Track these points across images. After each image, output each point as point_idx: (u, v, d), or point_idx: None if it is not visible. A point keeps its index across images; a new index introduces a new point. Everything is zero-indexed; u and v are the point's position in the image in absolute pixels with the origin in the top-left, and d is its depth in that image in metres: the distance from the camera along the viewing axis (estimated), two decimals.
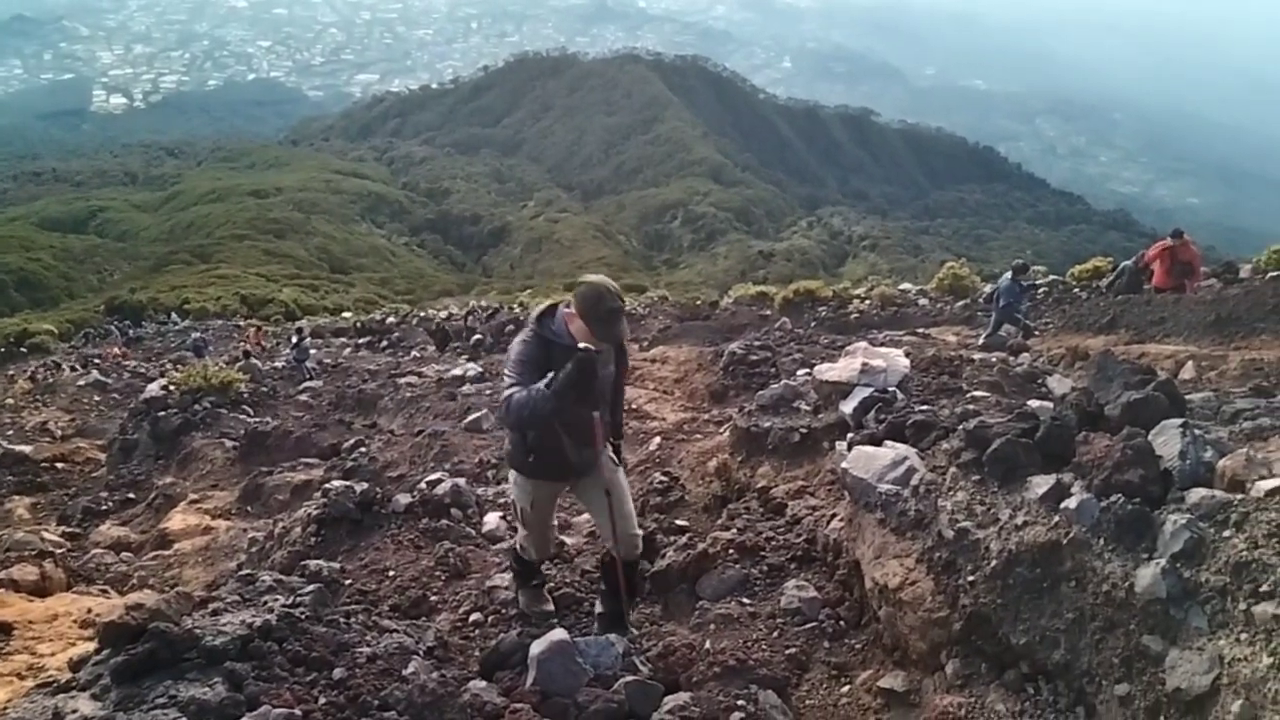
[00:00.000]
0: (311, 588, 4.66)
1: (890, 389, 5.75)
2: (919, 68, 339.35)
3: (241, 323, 48.65)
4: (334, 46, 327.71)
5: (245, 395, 15.41)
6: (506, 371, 4.00)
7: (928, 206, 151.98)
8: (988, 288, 19.73)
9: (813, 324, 20.17)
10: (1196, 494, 3.02)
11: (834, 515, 5.05)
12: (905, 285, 27.26)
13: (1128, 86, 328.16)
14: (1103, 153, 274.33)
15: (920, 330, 16.88)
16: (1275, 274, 14.57)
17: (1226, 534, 2.82)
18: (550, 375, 3.75)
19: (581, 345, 3.74)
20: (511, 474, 4.46)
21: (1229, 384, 8.68)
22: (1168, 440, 3.34)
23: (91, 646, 3.69)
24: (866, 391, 5.72)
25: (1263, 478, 3.04)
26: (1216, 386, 8.36)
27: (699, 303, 27.47)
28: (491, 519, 6.63)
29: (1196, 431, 3.44)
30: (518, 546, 4.67)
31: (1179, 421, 3.43)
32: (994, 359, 9.45)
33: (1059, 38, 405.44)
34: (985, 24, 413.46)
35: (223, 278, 74.43)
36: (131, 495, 11.73)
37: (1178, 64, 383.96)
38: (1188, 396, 5.98)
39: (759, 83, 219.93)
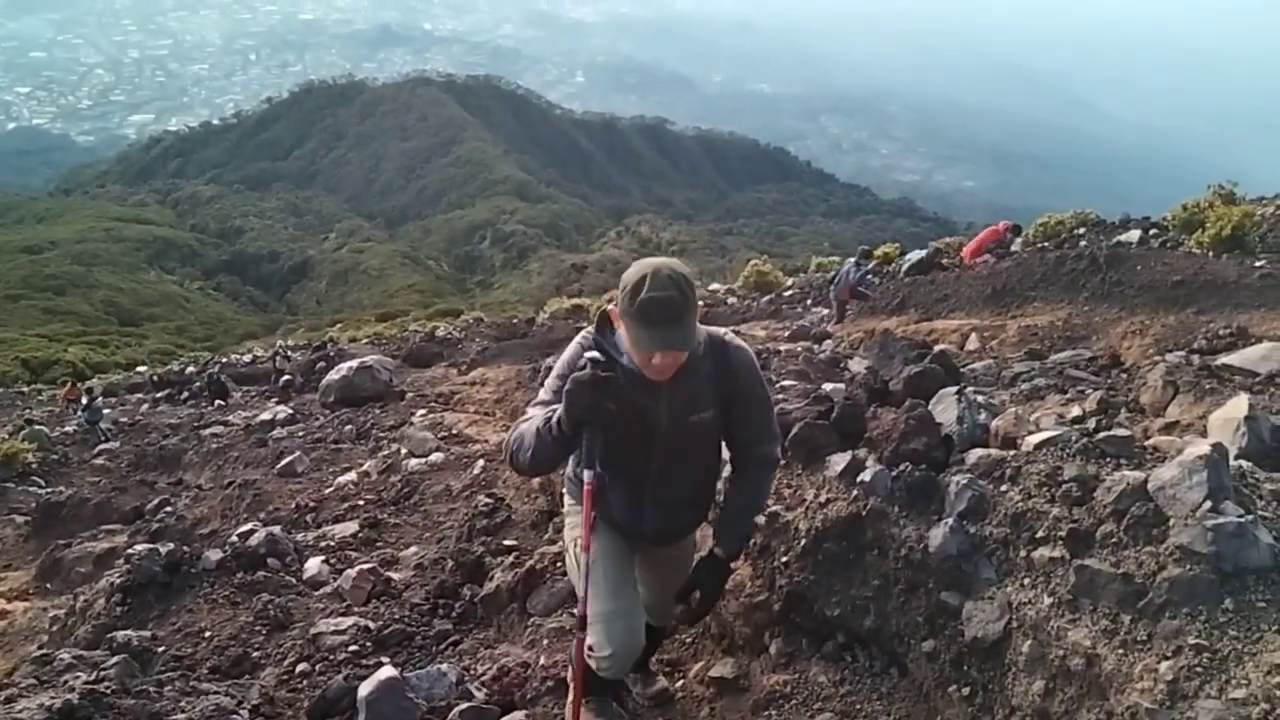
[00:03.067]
0: (116, 660, 4.40)
1: None
2: (707, 75, 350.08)
3: (25, 389, 44.78)
4: (102, 88, 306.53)
5: (34, 465, 14.52)
6: (538, 397, 2.91)
7: (729, 208, 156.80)
8: (828, 275, 20.50)
9: None
10: (974, 455, 3.25)
11: None
12: (714, 285, 28.04)
13: (898, 81, 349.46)
14: (884, 145, 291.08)
15: (731, 327, 17.39)
16: (1043, 245, 15.84)
17: (1004, 488, 3.04)
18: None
19: (589, 356, 2.59)
20: (566, 503, 3.33)
21: (1008, 350, 9.39)
22: (946, 408, 3.58)
23: None
24: None
25: (1031, 433, 3.30)
26: (997, 354, 9.03)
27: (515, 321, 27.41)
28: (313, 564, 6.40)
29: (974, 398, 3.70)
30: (582, 631, 2.96)
31: (954, 389, 3.69)
32: (799, 348, 9.87)
33: (829, 38, 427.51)
34: (761, 29, 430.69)
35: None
36: None
37: (937, 56, 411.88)
38: (972, 365, 6.44)
39: (554, 98, 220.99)
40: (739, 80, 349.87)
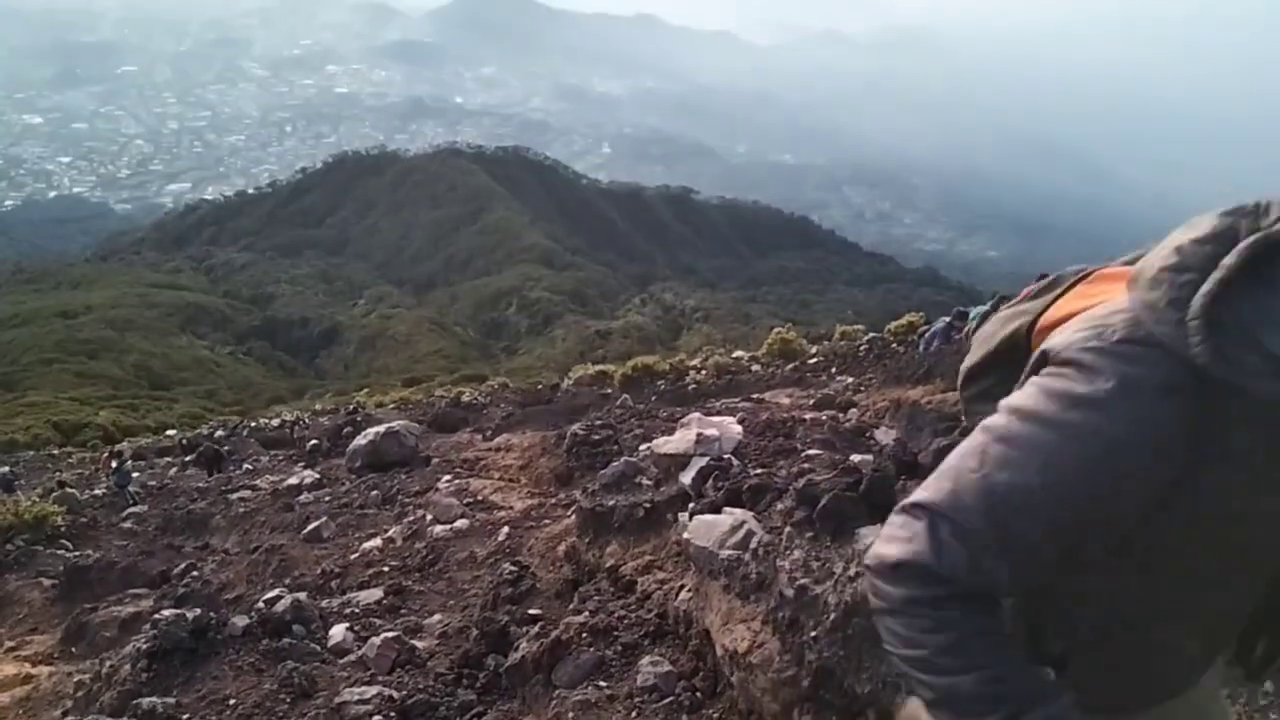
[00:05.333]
0: None
1: (726, 456, 5.88)
2: (731, 146, 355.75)
3: (56, 451, 45.28)
4: (141, 158, 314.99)
5: (63, 529, 14.49)
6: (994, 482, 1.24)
7: (753, 276, 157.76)
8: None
9: (653, 398, 20.45)
10: None
11: (682, 587, 5.08)
12: (738, 353, 28.04)
13: (921, 153, 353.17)
14: (907, 215, 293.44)
15: (754, 395, 17.32)
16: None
17: None
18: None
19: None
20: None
21: None
22: None
23: None
24: (703, 461, 5.82)
25: None
26: None
27: (540, 387, 27.47)
28: (337, 631, 6.38)
29: None
30: None
31: None
32: (824, 416, 9.83)
33: (851, 111, 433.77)
34: (785, 103, 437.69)
35: (32, 405, 69.23)
36: None
37: (958, 128, 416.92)
38: None
39: (581, 169, 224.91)
40: (762, 151, 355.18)
